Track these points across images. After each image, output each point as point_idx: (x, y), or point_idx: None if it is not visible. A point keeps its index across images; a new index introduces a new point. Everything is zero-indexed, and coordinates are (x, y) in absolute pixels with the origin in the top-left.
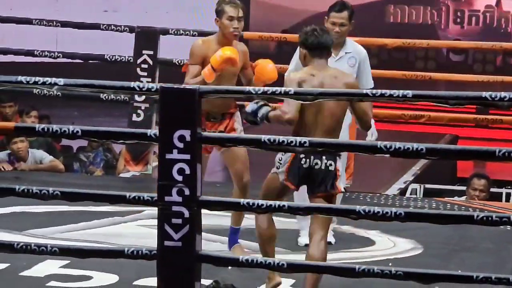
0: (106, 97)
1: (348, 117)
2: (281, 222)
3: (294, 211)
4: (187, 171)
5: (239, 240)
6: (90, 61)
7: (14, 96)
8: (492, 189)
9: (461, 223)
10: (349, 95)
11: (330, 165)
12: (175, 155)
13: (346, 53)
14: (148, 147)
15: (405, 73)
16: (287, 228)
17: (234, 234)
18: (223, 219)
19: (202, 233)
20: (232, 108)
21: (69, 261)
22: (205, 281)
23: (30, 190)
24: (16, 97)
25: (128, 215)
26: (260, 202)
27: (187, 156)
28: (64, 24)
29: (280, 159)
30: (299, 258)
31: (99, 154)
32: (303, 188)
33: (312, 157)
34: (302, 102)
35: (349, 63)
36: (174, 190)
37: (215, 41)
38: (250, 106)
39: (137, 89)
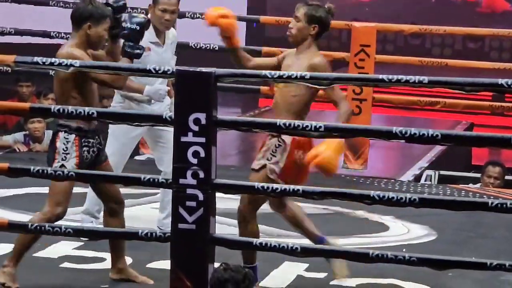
0: None
1: None
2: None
3: (309, 195)
4: (202, 154)
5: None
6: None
7: (31, 77)
8: (507, 177)
9: (475, 210)
10: (365, 80)
11: None
12: (190, 138)
13: (170, 41)
14: None
15: (422, 59)
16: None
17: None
18: (237, 202)
19: (216, 216)
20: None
21: (82, 243)
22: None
23: (45, 171)
24: (33, 77)
25: (142, 198)
26: (275, 186)
27: (202, 139)
28: None
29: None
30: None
31: None
32: None
33: None
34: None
35: (172, 50)
36: (189, 173)
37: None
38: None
39: (154, 71)
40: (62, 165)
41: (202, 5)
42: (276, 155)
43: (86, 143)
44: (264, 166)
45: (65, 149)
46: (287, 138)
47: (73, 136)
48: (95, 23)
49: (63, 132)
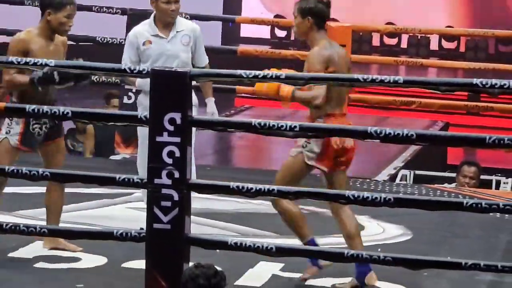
0: (98, 79)
1: None
2: (270, 206)
3: (284, 194)
4: (177, 154)
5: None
6: (82, 43)
7: None
8: (482, 176)
9: (450, 210)
10: (340, 80)
11: None
12: (165, 137)
13: (177, 32)
14: None
15: (397, 59)
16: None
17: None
18: (213, 202)
19: (192, 216)
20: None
21: None
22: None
23: (20, 171)
24: None
25: (117, 198)
26: (249, 186)
27: (177, 139)
28: None
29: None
30: (288, 242)
31: None
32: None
33: None
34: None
35: (183, 41)
36: (164, 173)
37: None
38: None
39: (129, 71)
40: (5, 138)
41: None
42: (311, 141)
43: (36, 121)
44: (300, 153)
45: (9, 123)
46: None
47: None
48: (54, 10)
49: None
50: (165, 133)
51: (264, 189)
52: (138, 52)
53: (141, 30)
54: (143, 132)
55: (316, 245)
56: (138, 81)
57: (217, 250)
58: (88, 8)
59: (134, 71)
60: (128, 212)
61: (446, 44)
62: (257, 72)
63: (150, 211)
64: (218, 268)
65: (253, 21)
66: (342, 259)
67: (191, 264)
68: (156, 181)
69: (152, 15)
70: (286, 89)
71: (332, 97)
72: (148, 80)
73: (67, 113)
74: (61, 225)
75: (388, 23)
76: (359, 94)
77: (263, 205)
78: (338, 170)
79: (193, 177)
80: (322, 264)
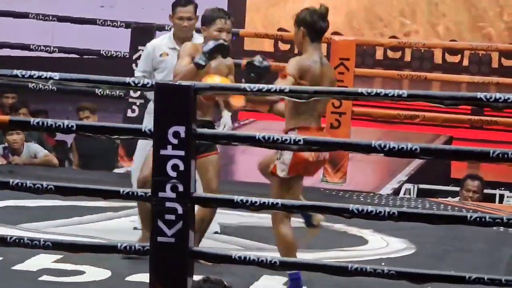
0: (102, 92)
1: None
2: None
3: (288, 208)
4: (181, 167)
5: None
6: (86, 56)
7: (17, 88)
8: (485, 191)
9: (454, 224)
10: (344, 93)
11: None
12: (169, 151)
13: None
14: None
15: (400, 73)
16: None
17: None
18: (216, 216)
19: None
20: None
21: (62, 256)
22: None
23: (24, 184)
24: (15, 88)
25: (121, 211)
26: (254, 199)
27: (182, 153)
28: (61, 19)
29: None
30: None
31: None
32: None
33: None
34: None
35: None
36: (168, 186)
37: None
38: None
39: (132, 84)
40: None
41: None
42: (283, 152)
43: None
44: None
45: None
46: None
47: None
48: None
49: None
50: (169, 147)
51: (268, 202)
52: (153, 63)
53: (159, 43)
54: (141, 145)
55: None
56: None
57: (221, 264)
58: (93, 22)
59: (138, 85)
60: (132, 225)
61: (449, 58)
62: (261, 86)
63: (154, 225)
64: (226, 283)
65: (257, 35)
66: (346, 273)
67: (199, 277)
68: (160, 194)
69: (172, 30)
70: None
71: (305, 109)
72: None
73: (72, 126)
74: (64, 238)
75: (391, 37)
76: (363, 108)
77: (267, 219)
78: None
79: (198, 191)
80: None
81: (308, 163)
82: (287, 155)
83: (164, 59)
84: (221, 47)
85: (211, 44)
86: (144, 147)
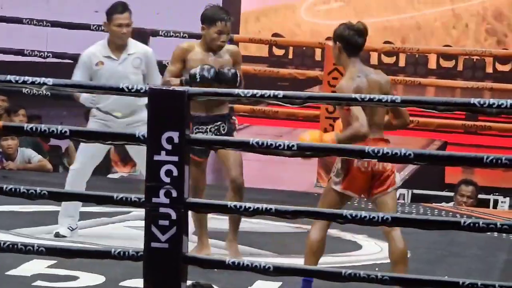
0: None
1: None
2: (268, 225)
3: (282, 214)
4: (175, 173)
5: None
6: None
7: (6, 92)
8: (479, 196)
9: (448, 229)
10: (338, 99)
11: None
12: (163, 156)
13: (129, 54)
14: None
15: (395, 78)
16: (274, 231)
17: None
18: (210, 221)
19: (189, 235)
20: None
21: (55, 261)
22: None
23: (18, 190)
24: (8, 93)
25: (115, 216)
26: (248, 205)
27: (175, 158)
28: (54, 24)
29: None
30: (286, 261)
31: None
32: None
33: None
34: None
35: (134, 64)
36: (162, 192)
37: (199, 47)
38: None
39: (126, 90)
40: None
41: (174, 23)
42: (337, 165)
43: (199, 130)
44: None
45: None
46: None
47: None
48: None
49: None
50: (163, 152)
51: (262, 208)
52: (90, 73)
53: (94, 51)
54: (85, 146)
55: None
56: (82, 97)
57: (215, 269)
58: (87, 27)
59: (132, 90)
60: (126, 231)
61: (444, 63)
62: (255, 91)
63: (148, 230)
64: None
65: (251, 40)
66: (340, 279)
67: (189, 283)
68: (154, 200)
69: (106, 37)
70: (329, 137)
71: (371, 121)
72: (87, 95)
73: (65, 132)
74: (58, 243)
75: (385, 42)
76: None
77: (261, 224)
78: (377, 194)
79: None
80: None
81: (363, 174)
82: (339, 168)
83: (100, 68)
84: (205, 80)
85: (197, 74)
86: (85, 147)
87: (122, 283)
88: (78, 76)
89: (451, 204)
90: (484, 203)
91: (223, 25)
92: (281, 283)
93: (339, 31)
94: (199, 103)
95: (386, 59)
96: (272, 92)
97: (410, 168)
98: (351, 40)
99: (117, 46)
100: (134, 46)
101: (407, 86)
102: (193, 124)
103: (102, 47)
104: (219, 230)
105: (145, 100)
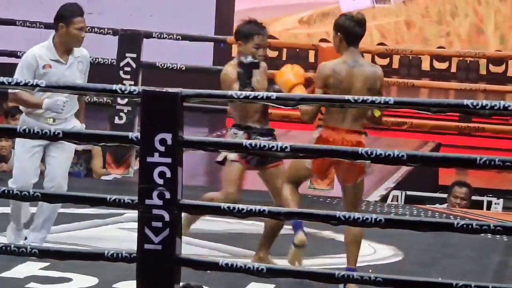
0: (89, 99)
1: None
2: (261, 226)
3: (275, 215)
4: (168, 175)
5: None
6: None
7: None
8: (473, 197)
9: (441, 231)
10: (330, 100)
11: None
12: (156, 158)
13: (75, 58)
14: (130, 150)
15: (388, 79)
16: None
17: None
18: (204, 223)
19: (183, 237)
20: None
21: (49, 263)
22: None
23: (11, 192)
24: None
25: (108, 218)
26: (241, 206)
27: (168, 160)
28: (48, 26)
29: None
30: (279, 263)
31: None
32: None
33: None
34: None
35: (79, 68)
36: (155, 193)
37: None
38: None
39: (119, 92)
40: (226, 157)
41: (168, 25)
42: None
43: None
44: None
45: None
46: (316, 134)
47: (241, 132)
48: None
49: (233, 128)
50: (156, 154)
51: (255, 209)
52: (35, 75)
53: (40, 53)
54: (21, 145)
55: None
56: (46, 102)
57: (208, 271)
58: None
59: (125, 92)
60: (119, 233)
61: (437, 65)
62: (248, 93)
63: (141, 232)
64: None
65: None
66: (333, 280)
67: (181, 284)
68: (147, 201)
69: (51, 39)
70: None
71: (333, 110)
72: (57, 98)
73: (58, 133)
74: (52, 245)
75: (379, 44)
76: None
77: (254, 226)
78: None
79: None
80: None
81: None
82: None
83: (47, 71)
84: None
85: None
86: (23, 144)
87: (115, 285)
88: (20, 78)
89: (444, 205)
90: (478, 205)
91: (260, 39)
92: (274, 285)
93: (340, 21)
94: (258, 114)
95: (380, 61)
96: (265, 94)
97: (404, 169)
98: (351, 30)
99: (66, 50)
100: (78, 49)
101: (401, 88)
102: (252, 134)
103: (48, 49)
104: (211, 232)
105: (76, 108)
